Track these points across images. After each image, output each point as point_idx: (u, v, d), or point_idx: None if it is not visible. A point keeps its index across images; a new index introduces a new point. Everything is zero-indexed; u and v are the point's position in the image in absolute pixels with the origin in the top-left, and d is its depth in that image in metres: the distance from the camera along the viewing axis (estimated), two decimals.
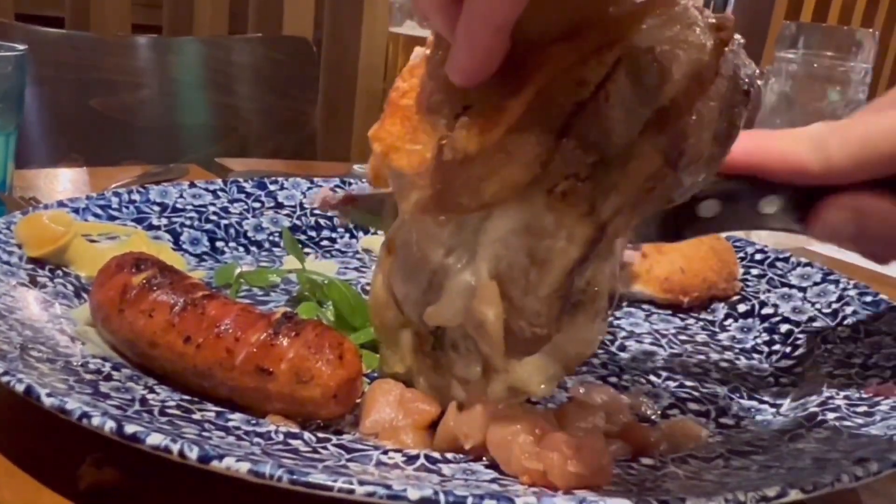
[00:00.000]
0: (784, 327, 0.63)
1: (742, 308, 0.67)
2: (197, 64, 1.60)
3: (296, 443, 0.40)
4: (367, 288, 0.65)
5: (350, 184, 0.80)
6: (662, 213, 0.50)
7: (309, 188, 0.79)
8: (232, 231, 0.72)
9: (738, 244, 0.73)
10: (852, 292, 0.63)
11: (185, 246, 0.68)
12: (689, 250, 0.69)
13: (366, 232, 0.76)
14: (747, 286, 0.69)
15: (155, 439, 0.35)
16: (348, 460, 0.39)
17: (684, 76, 0.38)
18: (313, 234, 0.75)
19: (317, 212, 0.77)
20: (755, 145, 0.48)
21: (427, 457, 0.41)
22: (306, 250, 0.73)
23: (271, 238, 0.73)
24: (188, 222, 0.70)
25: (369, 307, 0.49)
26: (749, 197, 0.50)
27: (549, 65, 0.38)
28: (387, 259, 0.47)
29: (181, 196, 0.72)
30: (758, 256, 0.72)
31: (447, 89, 0.40)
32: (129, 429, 0.36)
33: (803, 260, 0.70)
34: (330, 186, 0.75)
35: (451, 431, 0.41)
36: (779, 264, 0.70)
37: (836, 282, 0.65)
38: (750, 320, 0.66)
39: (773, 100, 1.32)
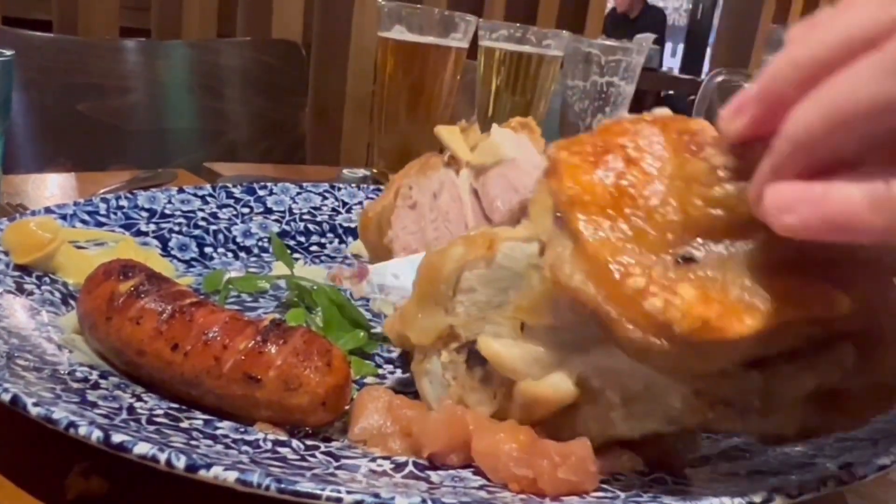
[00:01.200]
0: None
1: None
2: (185, 68, 1.60)
3: (284, 451, 0.40)
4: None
5: (339, 188, 0.80)
6: None
7: (298, 193, 0.79)
8: (221, 237, 0.71)
9: None
10: None
11: (173, 252, 0.68)
12: None
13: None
14: None
15: (142, 448, 0.35)
16: (336, 468, 0.39)
17: None
18: (302, 239, 0.75)
19: (306, 217, 0.77)
20: None
21: (415, 464, 0.41)
22: (295, 255, 0.73)
23: (260, 244, 0.73)
24: (176, 228, 0.70)
25: (431, 258, 0.46)
26: None
27: (806, 305, 0.35)
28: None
29: (169, 202, 0.72)
30: None
31: (691, 222, 0.36)
32: (117, 438, 0.36)
33: None
34: (340, 263, 0.75)
35: (414, 439, 0.42)
36: None
37: None
38: None
39: None
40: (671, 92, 4.16)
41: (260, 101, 1.64)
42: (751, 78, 1.30)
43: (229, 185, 0.77)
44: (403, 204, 0.62)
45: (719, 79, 1.35)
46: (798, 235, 0.30)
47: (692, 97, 1.40)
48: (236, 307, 0.60)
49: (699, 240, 0.36)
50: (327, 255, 0.74)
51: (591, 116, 1.21)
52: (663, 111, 0.42)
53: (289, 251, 0.72)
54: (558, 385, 0.40)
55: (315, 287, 0.59)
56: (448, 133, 0.67)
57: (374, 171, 1.02)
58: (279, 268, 0.68)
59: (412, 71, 0.95)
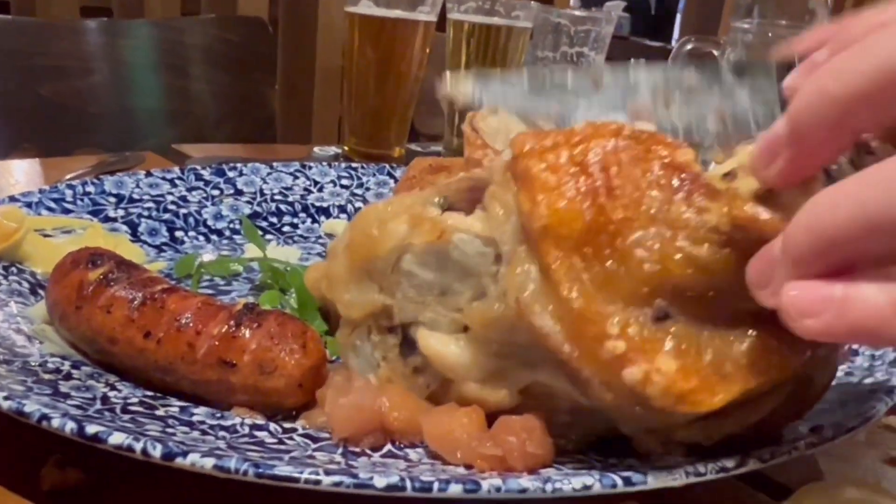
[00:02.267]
0: None
1: None
2: (149, 47, 1.57)
3: (261, 434, 0.40)
4: None
5: (310, 167, 0.79)
6: None
7: (269, 173, 0.78)
8: (191, 220, 0.71)
9: None
10: None
11: (143, 237, 0.67)
12: None
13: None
14: None
15: (117, 438, 0.35)
16: (315, 450, 0.39)
17: None
18: (274, 220, 0.75)
19: (277, 197, 0.76)
20: None
21: (393, 442, 0.41)
22: (268, 237, 0.72)
23: (232, 226, 0.72)
24: (146, 213, 0.69)
25: (369, 228, 0.43)
26: None
27: (767, 373, 0.35)
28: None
29: (137, 186, 0.71)
30: None
31: (669, 278, 0.35)
32: (91, 429, 0.35)
33: None
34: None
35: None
36: None
37: None
38: None
39: None
40: (642, 60, 4.15)
41: (227, 79, 1.62)
42: (720, 47, 1.30)
43: (198, 167, 0.76)
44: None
45: (689, 47, 1.36)
46: (820, 339, 0.28)
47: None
48: (209, 291, 0.60)
49: (675, 295, 0.35)
50: (300, 236, 0.74)
51: None
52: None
53: (261, 233, 0.72)
54: (502, 395, 0.40)
55: (288, 269, 0.59)
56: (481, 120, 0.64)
57: (346, 148, 1.01)
58: (252, 250, 0.68)
59: (380, 46, 0.94)
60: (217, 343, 0.43)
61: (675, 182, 0.36)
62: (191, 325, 0.44)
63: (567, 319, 0.35)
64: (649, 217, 0.36)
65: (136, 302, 0.45)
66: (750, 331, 0.35)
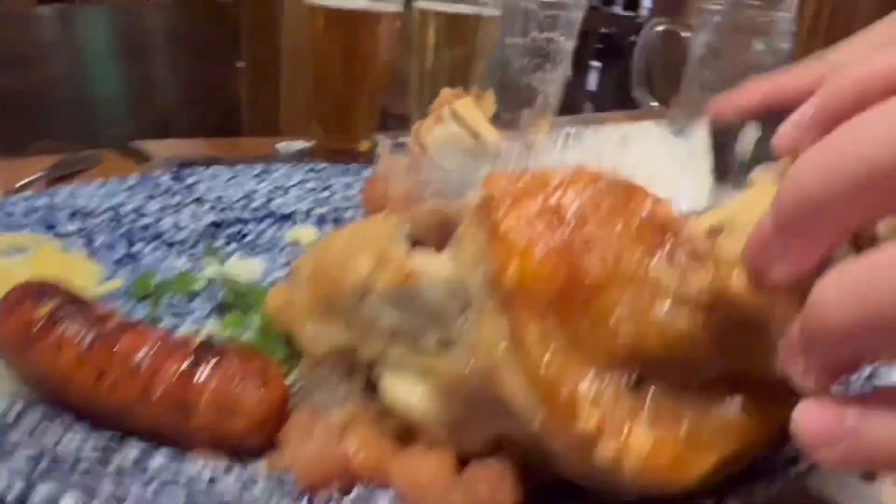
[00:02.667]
0: None
1: None
2: (107, 33, 1.52)
3: (222, 485, 0.38)
4: None
5: (274, 170, 0.77)
6: None
7: (230, 178, 0.76)
8: (150, 231, 0.68)
9: None
10: None
11: (100, 253, 0.64)
12: None
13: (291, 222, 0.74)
14: None
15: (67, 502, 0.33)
16: (279, 500, 0.38)
17: None
18: (237, 228, 0.72)
19: (239, 203, 0.74)
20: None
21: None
22: (230, 246, 0.70)
23: (193, 236, 0.70)
24: (102, 226, 0.67)
25: (331, 263, 0.42)
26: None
27: (743, 440, 0.34)
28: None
29: (92, 197, 0.69)
30: None
31: (644, 350, 0.34)
32: (42, 490, 0.34)
33: None
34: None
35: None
36: None
37: None
38: None
39: (700, 52, 1.32)
40: (612, 31, 4.13)
41: (189, 64, 1.57)
42: (690, 28, 1.28)
43: (156, 173, 0.73)
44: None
45: (659, 28, 1.34)
46: (838, 469, 0.28)
47: (633, 38, 1.38)
48: (170, 314, 0.57)
49: (652, 361, 0.34)
50: (264, 245, 0.71)
51: (532, 73, 1.19)
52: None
53: (224, 242, 0.70)
54: (471, 442, 0.38)
55: (250, 289, 0.57)
56: (467, 111, 0.61)
57: (311, 145, 0.98)
58: (213, 263, 0.66)
59: (345, 40, 0.91)
60: (173, 385, 0.41)
61: (655, 237, 0.35)
62: (145, 365, 0.42)
63: (538, 386, 0.33)
64: (627, 277, 0.34)
65: (86, 341, 0.43)
66: (728, 395, 0.34)
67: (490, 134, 0.60)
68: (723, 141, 0.48)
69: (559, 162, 0.60)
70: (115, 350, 0.43)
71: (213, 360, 0.42)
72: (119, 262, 0.64)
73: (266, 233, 0.72)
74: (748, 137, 0.47)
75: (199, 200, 0.73)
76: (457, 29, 0.99)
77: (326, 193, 0.78)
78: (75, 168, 0.87)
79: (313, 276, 0.42)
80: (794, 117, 0.31)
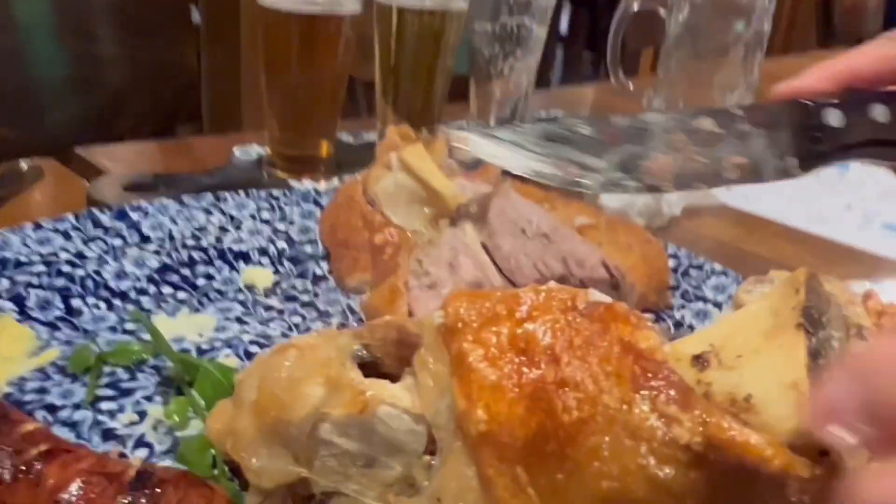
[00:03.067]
0: None
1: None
2: (48, 8, 1.41)
3: None
4: (251, 349, 0.59)
5: (225, 199, 0.71)
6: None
7: (178, 211, 0.70)
8: (90, 283, 0.62)
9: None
10: None
11: (33, 314, 0.59)
12: (618, 259, 0.64)
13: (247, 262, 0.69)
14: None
15: None
16: None
17: None
18: (187, 271, 0.67)
19: (189, 242, 0.68)
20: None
21: None
22: (180, 295, 0.64)
23: (138, 285, 0.64)
24: (35, 280, 0.61)
25: (277, 389, 0.37)
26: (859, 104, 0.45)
27: None
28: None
29: (24, 244, 0.63)
30: (671, 263, 0.68)
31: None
32: None
33: (717, 267, 0.66)
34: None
35: None
36: (693, 273, 0.66)
37: None
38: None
39: (677, 31, 1.26)
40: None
41: (139, 41, 1.48)
42: (668, 6, 1.22)
43: (96, 210, 0.67)
44: (420, 285, 0.51)
45: (635, 8, 1.28)
46: None
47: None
48: (110, 392, 0.53)
49: None
50: (217, 290, 0.66)
51: (503, 61, 1.13)
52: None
53: (171, 290, 0.64)
54: None
55: (195, 365, 0.52)
56: (416, 159, 0.56)
57: (268, 152, 0.92)
58: (161, 321, 0.61)
59: (301, 44, 0.84)
60: None
61: (638, 374, 0.30)
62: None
63: None
64: (607, 419, 0.30)
65: (6, 474, 0.38)
66: None
67: (440, 183, 0.56)
68: (807, 122, 0.45)
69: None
70: (39, 485, 0.38)
71: (152, 496, 0.38)
72: (54, 326, 0.59)
73: (217, 277, 0.67)
74: (833, 117, 0.45)
75: (144, 239, 0.67)
76: (421, 24, 0.93)
77: (283, 225, 0.72)
78: (9, 188, 0.81)
79: (259, 404, 0.38)
80: None
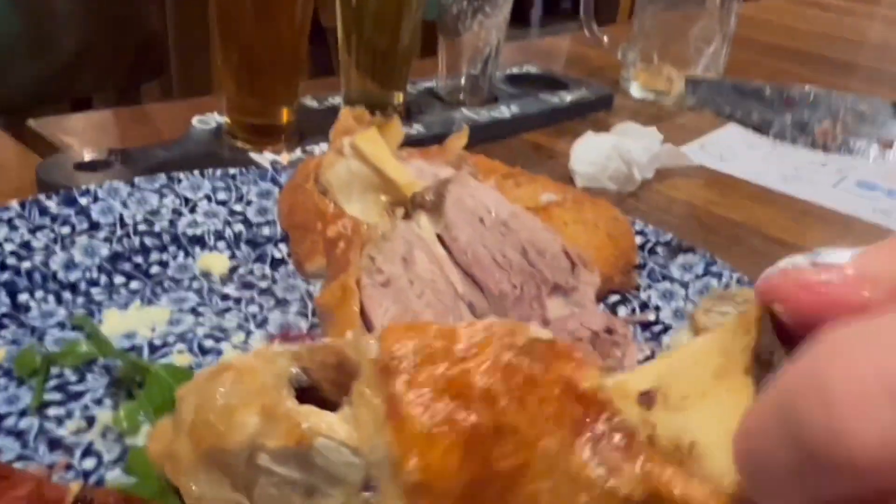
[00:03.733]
0: (666, 339, 0.59)
1: (622, 312, 0.62)
2: None
3: None
4: (206, 344, 0.57)
5: (179, 180, 0.68)
6: None
7: (129, 193, 0.68)
8: (37, 276, 0.60)
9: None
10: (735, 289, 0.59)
11: None
12: (583, 239, 0.63)
13: (203, 247, 0.66)
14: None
15: None
16: None
17: None
18: (140, 259, 0.64)
19: (141, 227, 0.66)
20: None
21: None
22: (133, 284, 0.62)
23: (88, 275, 0.62)
24: None
25: (211, 416, 0.35)
26: None
27: None
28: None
29: None
30: (638, 240, 0.66)
31: None
32: None
33: (684, 243, 0.64)
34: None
35: None
36: (659, 250, 0.65)
37: (719, 275, 0.61)
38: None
39: None
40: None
41: None
42: None
43: (41, 197, 0.65)
44: (373, 282, 0.48)
45: None
46: None
47: None
48: (57, 396, 0.51)
49: None
50: (172, 278, 0.64)
51: (471, 17, 1.09)
52: None
53: (124, 280, 0.62)
54: None
55: (146, 367, 0.51)
56: (370, 145, 0.53)
57: (227, 121, 0.88)
58: (111, 315, 0.59)
59: (255, 23, 0.80)
60: None
61: (579, 417, 0.29)
62: None
63: None
64: (547, 465, 0.29)
65: None
66: None
67: (394, 170, 0.53)
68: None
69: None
70: None
71: None
72: (0, 322, 0.57)
73: (172, 264, 0.65)
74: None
75: (94, 226, 0.65)
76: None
77: (240, 206, 0.70)
78: None
79: (195, 430, 0.36)
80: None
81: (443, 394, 0.29)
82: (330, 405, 0.35)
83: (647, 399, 0.30)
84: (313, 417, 0.34)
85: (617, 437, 0.29)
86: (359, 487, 0.33)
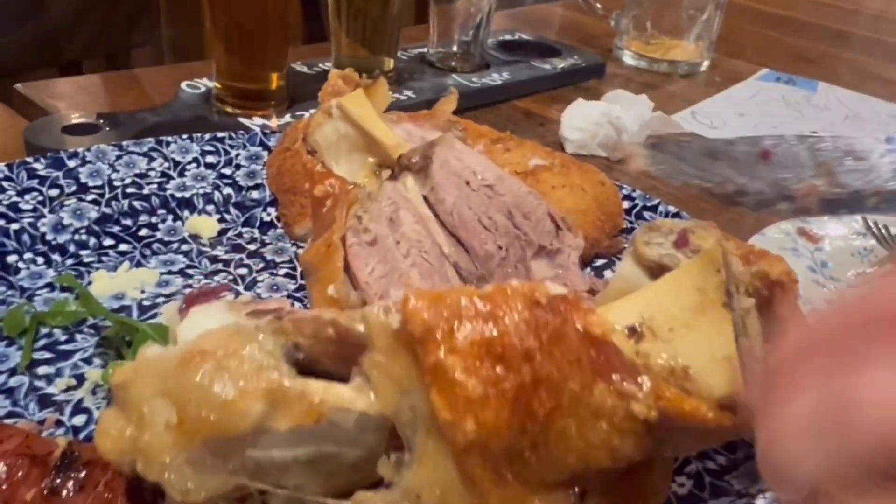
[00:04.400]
0: (608, 273, 0.59)
1: (608, 275, 0.63)
2: None
3: None
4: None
5: (167, 143, 0.68)
6: None
7: (118, 157, 0.67)
8: (25, 237, 0.60)
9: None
10: None
11: None
12: (570, 202, 0.63)
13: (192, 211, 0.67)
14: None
15: None
16: None
17: None
18: (128, 222, 0.65)
19: (130, 190, 0.66)
20: None
21: None
22: (121, 247, 0.63)
23: (77, 238, 0.62)
24: None
25: (205, 409, 0.35)
26: None
27: None
28: None
29: None
30: (625, 204, 0.66)
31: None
32: None
33: (671, 209, 0.65)
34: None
35: None
36: (646, 214, 0.65)
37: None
38: None
39: None
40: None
41: None
42: None
43: (30, 160, 0.64)
44: (359, 241, 0.49)
45: None
46: None
47: None
48: (46, 355, 0.51)
49: (596, 479, 0.34)
50: (160, 241, 0.64)
51: None
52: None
53: (113, 242, 0.63)
54: None
55: (133, 326, 0.51)
56: (357, 106, 0.54)
57: (217, 85, 0.88)
58: (101, 275, 0.59)
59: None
60: None
61: (594, 358, 0.32)
62: None
63: None
64: (573, 403, 0.32)
65: None
66: None
67: (381, 132, 0.53)
68: None
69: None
70: None
71: (77, 483, 0.37)
72: None
73: (161, 227, 0.65)
74: None
75: (82, 188, 0.65)
76: None
77: (229, 169, 0.70)
78: None
79: (184, 426, 0.36)
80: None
81: (484, 357, 0.31)
82: (329, 378, 0.35)
83: (636, 334, 0.32)
84: (323, 392, 0.34)
85: (625, 370, 0.31)
86: (381, 453, 0.34)
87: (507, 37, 1.22)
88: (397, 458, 0.34)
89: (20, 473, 0.37)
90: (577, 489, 0.33)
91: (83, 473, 0.37)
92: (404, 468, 0.33)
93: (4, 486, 0.37)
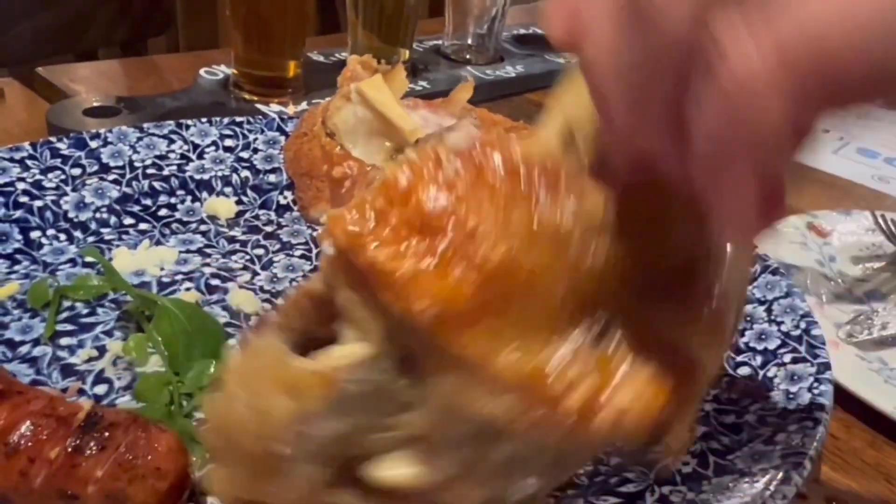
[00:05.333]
0: None
1: None
2: None
3: None
4: (212, 282, 0.59)
5: (187, 126, 0.69)
6: None
7: (139, 138, 0.69)
8: (48, 214, 0.62)
9: None
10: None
11: None
12: None
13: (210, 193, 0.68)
14: None
15: None
16: None
17: None
18: (148, 202, 0.66)
19: (150, 171, 0.67)
20: None
21: None
22: (142, 226, 0.64)
23: (98, 216, 0.64)
24: None
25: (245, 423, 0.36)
26: None
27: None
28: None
29: None
30: None
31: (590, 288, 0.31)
32: None
33: None
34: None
35: None
36: None
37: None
38: None
39: None
40: None
41: None
42: None
43: (53, 140, 0.66)
44: None
45: None
46: None
47: None
48: (69, 326, 0.53)
49: (597, 300, 0.31)
50: (179, 221, 0.66)
51: None
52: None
53: (133, 221, 0.64)
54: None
55: (154, 300, 0.52)
56: (375, 91, 0.54)
57: (234, 72, 0.89)
58: (121, 254, 0.60)
59: None
60: (56, 471, 0.38)
61: (526, 186, 0.30)
62: (22, 447, 0.38)
63: (509, 392, 0.30)
64: (529, 237, 0.30)
65: None
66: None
67: (398, 116, 0.54)
68: None
69: None
70: None
71: (100, 442, 0.38)
72: (13, 259, 0.59)
73: (180, 207, 0.67)
74: None
75: (104, 168, 0.66)
76: None
77: (247, 153, 0.71)
78: None
79: (228, 454, 0.37)
80: None
81: (407, 235, 0.30)
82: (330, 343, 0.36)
83: (568, 139, 0.32)
84: (324, 359, 0.35)
85: (560, 179, 0.30)
86: (399, 386, 0.34)
87: (522, 30, 1.23)
88: (409, 382, 0.33)
89: (45, 433, 0.39)
90: (591, 324, 0.31)
91: (106, 434, 0.39)
92: (419, 386, 0.33)
93: (30, 444, 0.38)
